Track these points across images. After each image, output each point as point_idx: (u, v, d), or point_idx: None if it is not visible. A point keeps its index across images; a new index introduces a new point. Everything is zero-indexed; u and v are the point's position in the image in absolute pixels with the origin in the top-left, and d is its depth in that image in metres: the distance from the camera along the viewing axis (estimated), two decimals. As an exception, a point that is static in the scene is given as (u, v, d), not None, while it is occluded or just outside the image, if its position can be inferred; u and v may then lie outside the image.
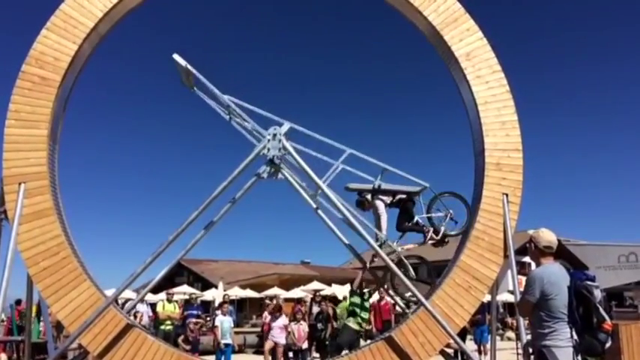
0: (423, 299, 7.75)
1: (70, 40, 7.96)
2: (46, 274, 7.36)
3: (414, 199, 9.07)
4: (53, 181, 7.83)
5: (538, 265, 4.76)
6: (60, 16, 7.98)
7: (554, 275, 4.54)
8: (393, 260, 8.44)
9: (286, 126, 8.10)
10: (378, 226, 8.92)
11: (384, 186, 8.91)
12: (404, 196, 9.04)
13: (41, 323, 14.84)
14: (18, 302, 15.80)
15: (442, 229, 8.88)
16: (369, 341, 9.11)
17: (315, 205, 8.74)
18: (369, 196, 9.00)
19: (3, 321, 16.94)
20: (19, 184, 7.45)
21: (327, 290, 27.96)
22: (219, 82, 8.43)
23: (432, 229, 8.90)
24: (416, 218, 9.00)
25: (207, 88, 8.47)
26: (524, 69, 68.74)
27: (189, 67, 8.40)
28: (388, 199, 9.08)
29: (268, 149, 7.98)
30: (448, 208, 8.93)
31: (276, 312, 15.03)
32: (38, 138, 7.67)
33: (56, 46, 7.90)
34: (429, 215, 8.94)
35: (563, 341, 4.42)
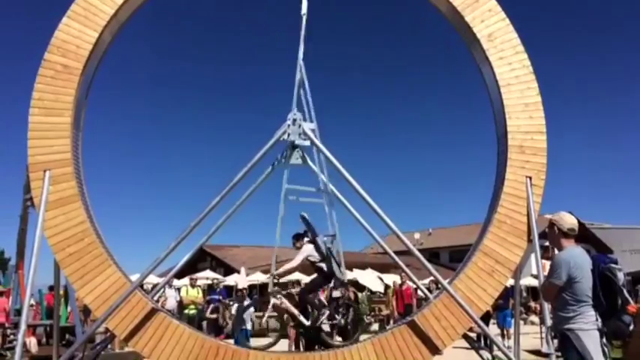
0: (445, 284, 7.72)
1: (90, 27, 8.00)
2: (73, 260, 7.48)
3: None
4: (77, 168, 7.94)
5: (560, 249, 4.70)
6: (80, 3, 8.02)
7: (579, 258, 4.49)
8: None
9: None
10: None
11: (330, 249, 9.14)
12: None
13: (69, 307, 15.17)
14: (52, 288, 16.16)
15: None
16: (391, 324, 9.12)
17: (337, 192, 8.71)
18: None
19: (32, 306, 17.35)
20: (44, 171, 7.55)
21: (348, 275, 27.99)
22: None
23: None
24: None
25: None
26: (547, 47, 67.46)
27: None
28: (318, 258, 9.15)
29: (288, 134, 7.97)
30: None
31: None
32: (62, 125, 7.76)
33: (77, 34, 7.96)
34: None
35: (588, 324, 4.38)
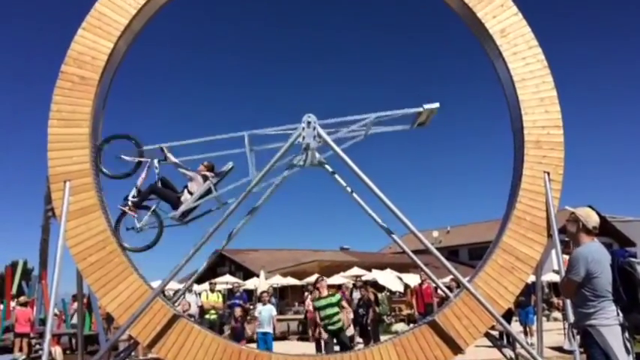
0: (465, 282, 7.69)
1: (105, 38, 8.11)
2: (95, 269, 7.59)
3: None
4: (97, 178, 8.04)
5: (578, 244, 4.66)
6: (95, 15, 8.14)
7: (598, 253, 4.46)
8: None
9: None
10: None
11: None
12: None
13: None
14: (75, 297, 16.39)
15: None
16: (412, 325, 9.09)
17: (351, 191, 8.71)
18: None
19: (56, 315, 17.59)
20: (64, 182, 7.68)
21: (368, 276, 27.98)
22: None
23: None
24: None
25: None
26: (563, 38, 66.72)
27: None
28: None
29: (303, 137, 7.97)
30: None
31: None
32: (80, 136, 7.88)
33: (93, 45, 8.08)
34: None
35: (609, 319, 4.34)
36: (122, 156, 8.15)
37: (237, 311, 13.39)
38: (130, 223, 8.03)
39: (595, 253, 4.46)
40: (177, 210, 8.03)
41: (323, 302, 10.22)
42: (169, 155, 8.20)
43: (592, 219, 4.66)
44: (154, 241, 8.09)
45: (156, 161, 8.20)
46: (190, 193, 8.16)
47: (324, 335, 10.47)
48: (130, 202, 8.03)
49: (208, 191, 8.15)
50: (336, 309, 10.09)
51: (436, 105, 7.98)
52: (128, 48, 8.68)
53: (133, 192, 8.15)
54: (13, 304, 17.81)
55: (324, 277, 11.00)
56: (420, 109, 8.01)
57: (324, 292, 10.43)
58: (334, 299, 10.24)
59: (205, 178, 8.16)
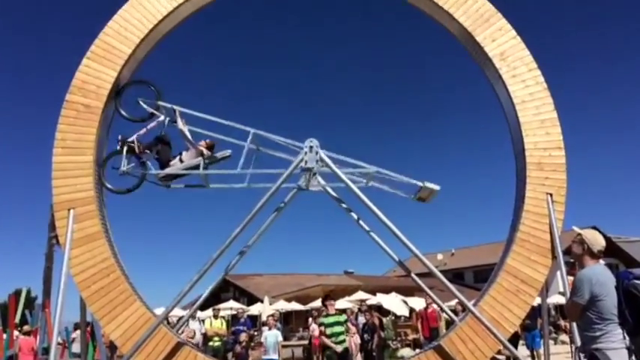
0: (470, 305, 7.64)
1: (109, 67, 8.23)
2: (98, 296, 7.57)
3: None
4: (100, 205, 8.08)
5: (582, 266, 4.64)
6: (100, 44, 8.27)
7: (602, 275, 4.43)
8: None
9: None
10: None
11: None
12: None
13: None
14: (77, 326, 16.29)
15: None
16: (417, 350, 9.00)
17: (356, 216, 8.72)
18: None
19: (59, 344, 17.46)
20: (69, 209, 7.71)
21: (372, 300, 27.75)
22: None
23: None
24: None
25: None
26: (563, 61, 67.17)
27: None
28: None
29: (306, 162, 8.02)
30: None
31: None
32: (84, 164, 7.94)
33: (97, 74, 8.19)
34: None
35: (616, 343, 4.29)
36: (141, 102, 8.44)
37: (243, 336, 13.29)
38: (117, 163, 8.22)
39: (599, 275, 4.43)
40: (163, 170, 8.29)
41: (331, 319, 10.19)
42: (179, 120, 8.40)
43: (598, 243, 4.63)
44: (132, 188, 8.29)
45: (167, 120, 8.43)
46: (181, 161, 8.36)
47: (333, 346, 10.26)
48: (136, 144, 8.25)
49: (197, 167, 8.28)
50: (342, 328, 10.05)
51: (436, 187, 8.16)
52: (132, 75, 8.79)
53: (134, 137, 8.34)
54: (16, 333, 17.70)
55: (333, 297, 10.99)
56: (420, 185, 8.16)
57: (332, 310, 10.40)
58: (341, 318, 10.25)
59: (200, 154, 8.30)
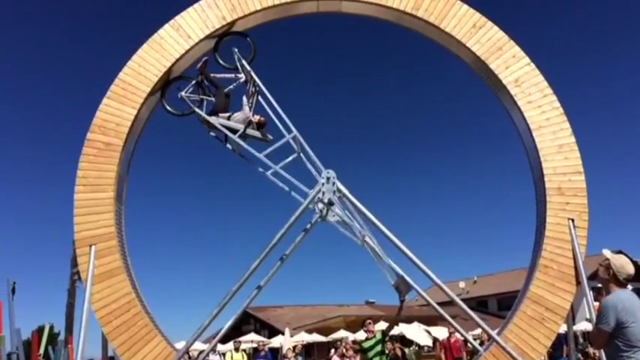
0: (494, 334, 7.50)
1: (129, 105, 8.42)
2: (120, 332, 7.60)
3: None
4: (121, 241, 8.17)
5: (607, 291, 4.53)
6: (119, 84, 8.48)
7: (629, 302, 4.32)
8: None
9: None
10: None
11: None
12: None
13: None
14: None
15: None
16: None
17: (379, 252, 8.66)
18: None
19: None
20: (90, 246, 7.80)
21: (395, 330, 27.36)
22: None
23: None
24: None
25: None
26: (579, 80, 66.88)
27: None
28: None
29: (323, 192, 8.06)
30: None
31: (354, 352, 14.90)
32: (105, 201, 8.06)
33: (117, 112, 8.38)
34: None
35: (645, 370, 4.17)
36: (235, 52, 8.99)
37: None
38: (184, 86, 8.78)
39: (625, 301, 4.33)
40: (207, 115, 8.69)
41: (371, 342, 9.76)
42: (251, 86, 8.86)
43: (625, 271, 4.52)
44: (183, 113, 8.84)
45: (241, 80, 8.91)
46: (229, 119, 8.72)
47: None
48: (207, 74, 8.86)
49: (235, 131, 8.59)
50: (380, 347, 9.59)
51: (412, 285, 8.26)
52: (151, 113, 8.99)
53: (213, 76, 8.94)
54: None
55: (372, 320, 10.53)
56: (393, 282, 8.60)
57: (371, 335, 9.98)
58: (379, 336, 9.77)
59: (248, 123, 8.63)
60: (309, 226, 8.46)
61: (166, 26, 8.67)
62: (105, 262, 7.82)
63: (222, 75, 9.00)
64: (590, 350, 26.28)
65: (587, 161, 8.23)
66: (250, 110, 8.72)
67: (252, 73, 8.82)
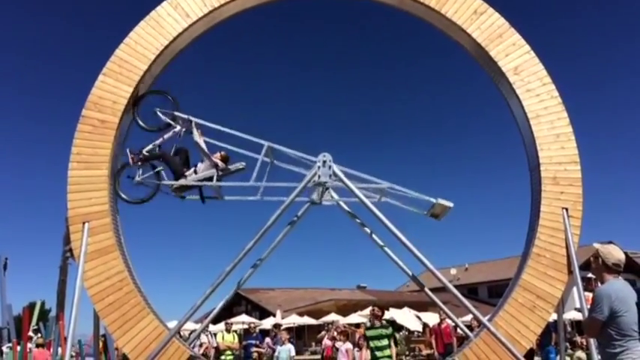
0: (485, 321, 7.55)
1: (125, 83, 8.33)
2: (112, 309, 7.60)
3: None
4: (115, 219, 8.14)
5: (602, 282, 4.57)
6: (115, 61, 8.38)
7: (622, 291, 4.35)
8: None
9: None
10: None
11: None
12: None
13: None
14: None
15: None
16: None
17: (369, 231, 8.69)
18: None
19: (72, 356, 17.51)
20: (83, 223, 7.77)
21: (385, 315, 27.50)
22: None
23: None
24: None
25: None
26: (581, 75, 66.80)
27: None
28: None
29: (319, 176, 8.04)
30: None
31: (344, 336, 15.05)
32: (99, 178, 8.01)
33: (113, 89, 8.29)
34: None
35: (637, 359, 4.21)
36: (158, 112, 8.53)
37: (254, 354, 13.23)
38: (132, 173, 8.31)
39: (619, 291, 4.36)
40: (176, 181, 8.32)
41: (374, 332, 9.77)
42: (195, 132, 8.46)
43: (613, 256, 4.56)
44: (146, 198, 8.37)
45: (183, 130, 8.49)
46: (195, 173, 8.41)
47: None
48: (141, 155, 8.32)
49: (210, 178, 8.33)
50: (386, 341, 9.58)
51: (449, 204, 8.19)
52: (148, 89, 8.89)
53: (149, 147, 8.45)
54: (30, 345, 17.78)
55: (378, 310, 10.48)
56: (434, 201, 8.19)
57: (377, 323, 10.01)
58: (386, 331, 9.75)
59: (215, 165, 8.36)
60: (303, 210, 8.46)
61: (164, 4, 8.56)
62: (98, 239, 7.79)
63: (160, 141, 8.54)
64: (578, 339, 26.65)
65: (584, 151, 8.25)
66: (210, 154, 8.43)
67: (191, 117, 8.44)
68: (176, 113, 8.51)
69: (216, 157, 8.46)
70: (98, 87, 8.30)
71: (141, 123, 8.57)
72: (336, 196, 8.54)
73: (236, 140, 8.49)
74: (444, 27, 8.92)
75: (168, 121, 8.52)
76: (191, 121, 8.45)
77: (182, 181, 8.36)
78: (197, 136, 8.44)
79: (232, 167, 8.54)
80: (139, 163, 8.31)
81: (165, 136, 8.55)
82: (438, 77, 74.13)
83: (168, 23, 8.53)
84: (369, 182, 8.32)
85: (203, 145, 8.48)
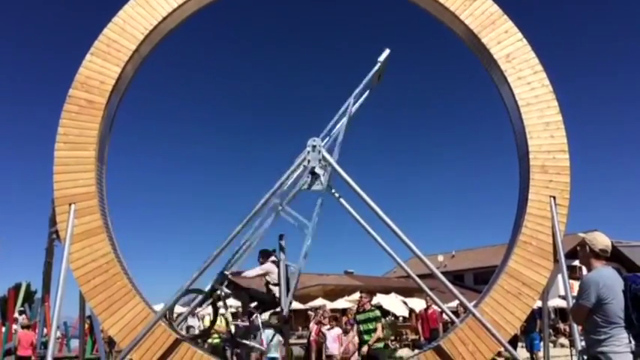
0: (471, 307, 7.61)
1: (113, 63, 8.21)
2: (98, 292, 7.55)
3: None
4: (102, 201, 8.06)
5: (589, 269, 4.59)
6: (103, 40, 8.25)
7: (609, 279, 4.37)
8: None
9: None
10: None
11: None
12: None
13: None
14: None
15: None
16: (416, 351, 8.98)
17: (357, 216, 8.67)
18: None
19: (58, 338, 17.46)
20: (70, 204, 7.69)
21: (372, 300, 27.71)
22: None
23: None
24: None
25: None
26: (571, 65, 66.95)
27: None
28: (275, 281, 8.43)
29: (308, 161, 8.01)
30: None
31: (332, 322, 15.18)
32: (86, 159, 7.92)
33: (101, 69, 8.17)
34: None
35: (621, 347, 4.25)
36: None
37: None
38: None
39: (606, 278, 4.38)
40: (283, 306, 8.13)
41: (363, 316, 10.22)
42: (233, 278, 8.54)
43: (599, 242, 4.59)
44: None
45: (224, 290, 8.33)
46: (276, 285, 8.18)
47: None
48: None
49: (269, 291, 8.34)
50: (373, 324, 9.97)
51: (387, 51, 8.37)
52: (136, 72, 8.76)
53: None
54: (15, 326, 17.72)
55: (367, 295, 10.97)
56: (377, 64, 8.32)
57: (368, 306, 10.42)
58: (372, 314, 10.18)
59: (275, 263, 8.27)
60: (291, 194, 8.41)
61: (154, -18, 8.41)
62: (84, 221, 7.72)
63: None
64: (561, 326, 27.04)
65: (571, 140, 8.27)
66: (257, 268, 8.45)
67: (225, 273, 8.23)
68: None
69: (265, 262, 8.41)
70: (86, 67, 8.17)
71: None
72: (324, 182, 8.49)
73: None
74: (437, 13, 8.87)
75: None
76: (225, 275, 8.31)
77: (288, 298, 8.20)
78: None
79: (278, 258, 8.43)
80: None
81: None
82: (427, 62, 74.07)
83: (157, 3, 8.39)
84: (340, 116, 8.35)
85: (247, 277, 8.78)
